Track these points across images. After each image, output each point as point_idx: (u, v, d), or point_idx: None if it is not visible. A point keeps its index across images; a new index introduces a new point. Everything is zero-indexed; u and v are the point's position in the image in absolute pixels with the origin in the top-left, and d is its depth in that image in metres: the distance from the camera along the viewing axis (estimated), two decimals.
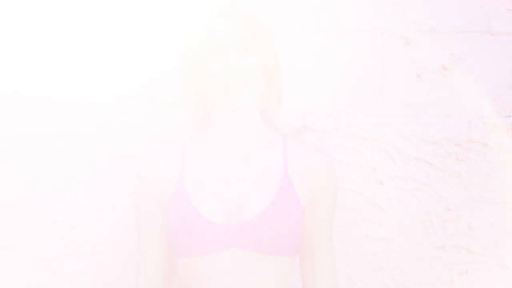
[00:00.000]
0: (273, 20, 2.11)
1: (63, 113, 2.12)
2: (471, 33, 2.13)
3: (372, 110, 2.15)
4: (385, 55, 2.13)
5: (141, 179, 1.95)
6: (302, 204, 1.90)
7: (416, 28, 2.13)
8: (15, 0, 2.09)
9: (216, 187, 1.89)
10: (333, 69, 2.14)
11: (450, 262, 2.18)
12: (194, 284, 1.87)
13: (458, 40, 2.13)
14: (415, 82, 2.14)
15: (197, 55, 1.89)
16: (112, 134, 2.13)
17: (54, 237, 2.15)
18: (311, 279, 1.94)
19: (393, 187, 2.16)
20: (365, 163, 2.15)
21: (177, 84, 1.98)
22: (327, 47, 2.13)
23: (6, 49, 2.09)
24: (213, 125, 1.95)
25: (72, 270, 2.16)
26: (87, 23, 2.11)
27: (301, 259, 1.96)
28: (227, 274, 1.84)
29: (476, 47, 2.14)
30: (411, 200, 2.16)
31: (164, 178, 1.92)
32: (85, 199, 2.15)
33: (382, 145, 2.15)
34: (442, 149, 2.15)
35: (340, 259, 2.19)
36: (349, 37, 2.13)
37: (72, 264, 2.16)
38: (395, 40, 2.13)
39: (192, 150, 1.95)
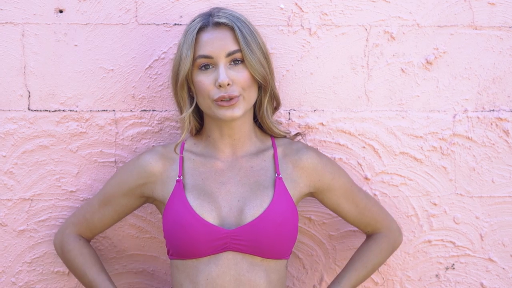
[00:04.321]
0: (257, 15, 2.10)
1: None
2: (455, 27, 2.13)
3: (357, 105, 2.14)
4: (369, 50, 2.13)
5: (139, 167, 1.95)
6: (301, 201, 1.95)
7: (400, 23, 2.12)
8: None
9: (213, 192, 1.89)
10: (317, 64, 2.13)
11: (436, 256, 2.18)
12: (190, 287, 1.86)
13: (441, 34, 2.13)
14: (399, 77, 2.14)
15: (186, 69, 1.87)
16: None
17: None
18: (377, 229, 2.06)
19: (378, 182, 2.16)
20: (351, 158, 2.15)
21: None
22: (311, 42, 2.12)
23: None
24: (208, 132, 1.96)
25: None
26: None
27: (362, 226, 2.05)
28: (222, 277, 1.84)
29: (460, 41, 2.14)
30: (397, 195, 2.16)
31: (162, 180, 1.93)
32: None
33: (367, 140, 2.15)
34: (427, 143, 2.15)
35: (327, 254, 2.20)
36: (333, 32, 2.12)
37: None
38: (379, 35, 2.12)
39: (189, 154, 1.96)
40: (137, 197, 1.97)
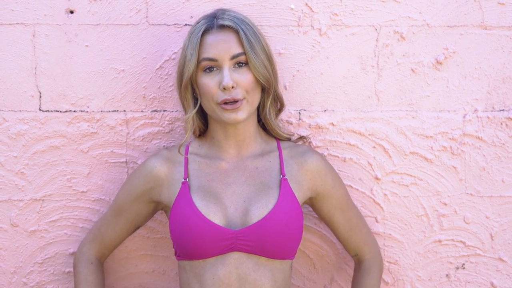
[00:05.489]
0: (267, 15, 2.11)
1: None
2: (465, 27, 2.14)
3: (367, 105, 2.15)
4: (379, 50, 2.13)
5: (145, 172, 1.96)
6: (302, 205, 1.94)
7: (410, 23, 2.13)
8: None
9: (218, 193, 1.90)
10: (327, 64, 2.13)
11: (447, 256, 2.19)
12: (196, 286, 1.86)
13: (451, 34, 2.13)
14: (409, 77, 2.14)
15: (191, 71, 1.88)
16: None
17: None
18: (359, 248, 2.06)
19: (389, 182, 2.16)
20: (361, 158, 2.15)
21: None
22: (321, 43, 2.12)
23: None
24: (212, 133, 1.96)
25: None
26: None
27: (350, 246, 2.05)
28: (228, 276, 1.85)
29: (470, 41, 2.14)
30: (407, 195, 2.17)
31: (168, 183, 1.93)
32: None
33: (377, 140, 2.15)
34: (437, 143, 2.16)
35: (337, 254, 2.20)
36: (343, 32, 2.12)
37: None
38: (389, 35, 2.13)
39: (194, 156, 1.96)
40: (147, 203, 1.97)
